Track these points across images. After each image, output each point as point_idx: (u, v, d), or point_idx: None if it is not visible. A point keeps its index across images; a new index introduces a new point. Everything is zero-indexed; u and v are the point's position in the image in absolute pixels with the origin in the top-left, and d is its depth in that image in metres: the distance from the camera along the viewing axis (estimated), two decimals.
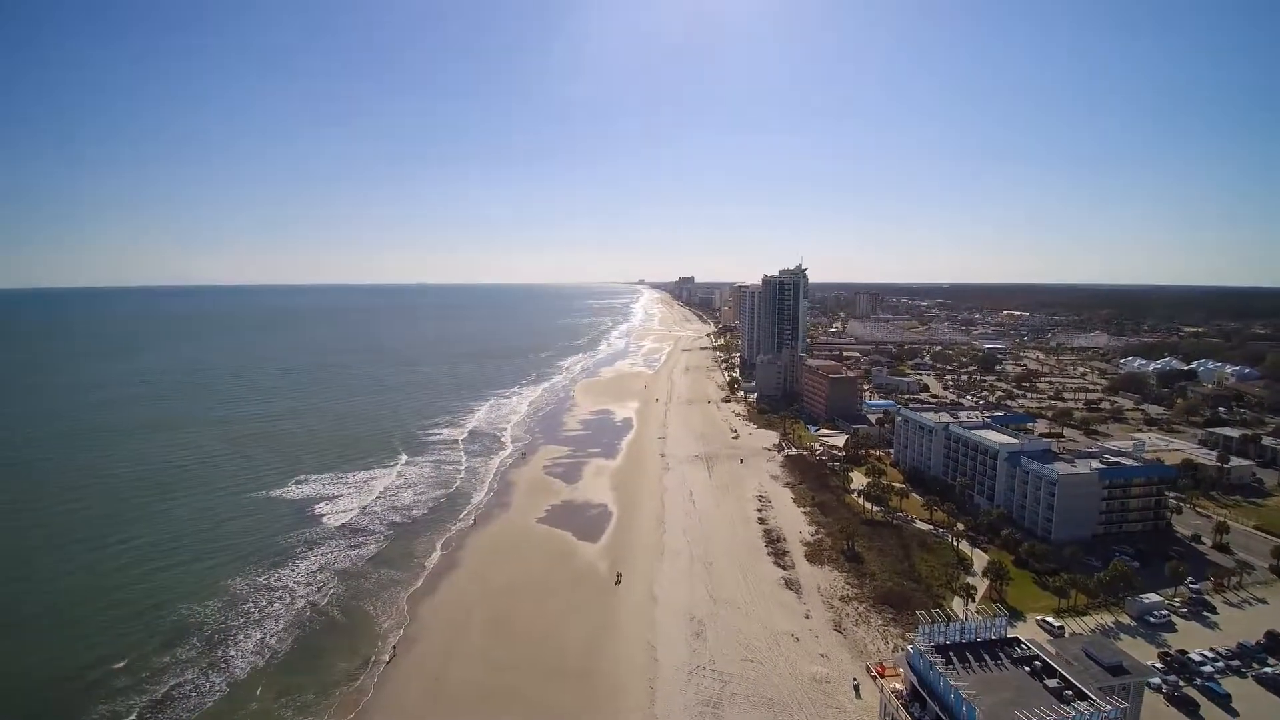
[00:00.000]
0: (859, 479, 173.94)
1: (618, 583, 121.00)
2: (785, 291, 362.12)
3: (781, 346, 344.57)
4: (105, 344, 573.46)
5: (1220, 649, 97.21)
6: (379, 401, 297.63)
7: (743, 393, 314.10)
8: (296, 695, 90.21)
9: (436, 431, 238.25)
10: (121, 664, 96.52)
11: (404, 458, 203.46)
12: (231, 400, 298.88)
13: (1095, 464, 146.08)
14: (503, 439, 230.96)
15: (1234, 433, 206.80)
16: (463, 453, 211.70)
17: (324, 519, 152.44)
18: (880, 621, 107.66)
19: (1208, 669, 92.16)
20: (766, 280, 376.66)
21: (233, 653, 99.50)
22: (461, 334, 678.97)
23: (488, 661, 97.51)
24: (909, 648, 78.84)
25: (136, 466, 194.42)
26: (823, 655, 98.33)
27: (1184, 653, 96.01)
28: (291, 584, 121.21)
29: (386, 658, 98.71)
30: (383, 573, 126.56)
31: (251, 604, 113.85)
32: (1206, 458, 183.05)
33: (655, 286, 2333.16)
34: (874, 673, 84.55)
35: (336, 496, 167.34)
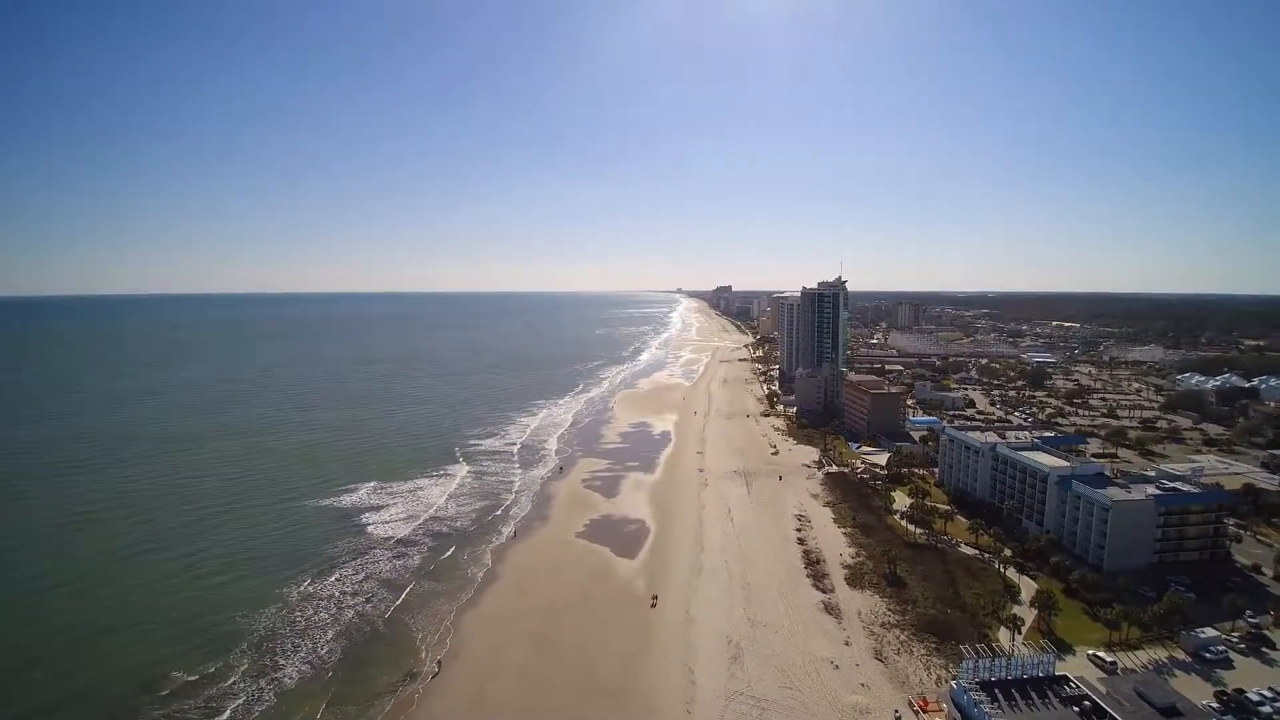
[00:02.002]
0: (902, 499, 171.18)
1: (653, 605, 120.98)
2: (825, 304, 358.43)
3: (821, 360, 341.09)
4: (145, 352, 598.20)
5: None
6: (421, 412, 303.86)
7: (782, 406, 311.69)
8: (343, 706, 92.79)
9: (478, 443, 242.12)
10: (174, 670, 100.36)
11: (446, 469, 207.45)
12: (275, 411, 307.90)
13: (1151, 489, 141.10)
14: (542, 451, 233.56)
15: None
16: (504, 464, 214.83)
17: (370, 529, 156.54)
18: (923, 651, 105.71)
19: (1266, 709, 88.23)
20: (805, 293, 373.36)
21: (282, 662, 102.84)
22: (497, 344, 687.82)
23: (528, 679, 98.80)
24: (953, 683, 77.67)
25: (186, 477, 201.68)
26: (863, 685, 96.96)
27: (1241, 691, 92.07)
28: (339, 594, 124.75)
29: (431, 671, 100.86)
30: (426, 584, 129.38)
31: (300, 613, 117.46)
32: (1269, 482, 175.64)
33: (692, 295, 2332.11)
34: (916, 707, 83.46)
35: (382, 506, 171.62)
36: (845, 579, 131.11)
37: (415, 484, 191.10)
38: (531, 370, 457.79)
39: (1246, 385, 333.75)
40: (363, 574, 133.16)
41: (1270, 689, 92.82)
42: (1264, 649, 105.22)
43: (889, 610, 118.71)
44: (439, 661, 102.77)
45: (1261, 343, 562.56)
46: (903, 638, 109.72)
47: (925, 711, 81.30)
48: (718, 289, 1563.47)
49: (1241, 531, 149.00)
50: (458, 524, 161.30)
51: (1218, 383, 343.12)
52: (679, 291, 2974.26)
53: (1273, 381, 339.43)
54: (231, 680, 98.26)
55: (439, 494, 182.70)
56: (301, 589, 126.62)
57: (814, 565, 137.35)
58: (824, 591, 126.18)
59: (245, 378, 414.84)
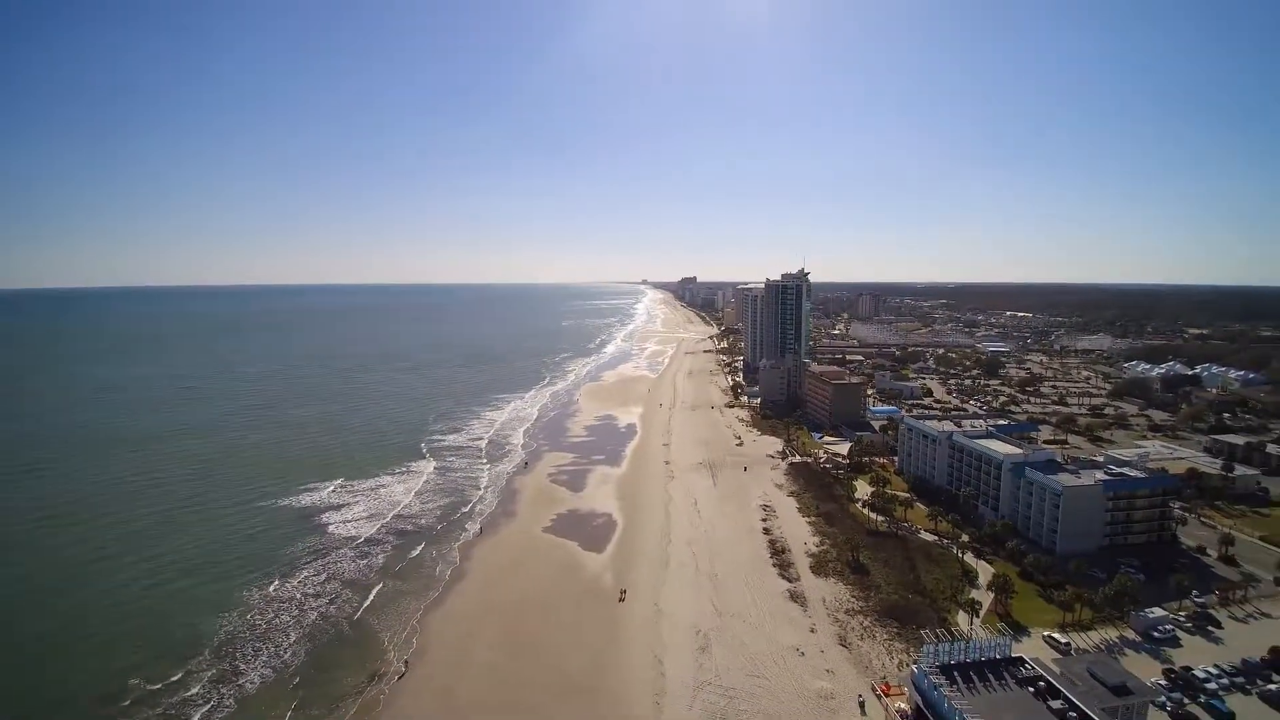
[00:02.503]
0: (863, 488, 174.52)
1: (621, 600, 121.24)
2: (788, 296, 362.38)
3: (785, 351, 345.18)
4: (101, 346, 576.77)
5: (1225, 665, 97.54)
6: (385, 408, 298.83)
7: (746, 398, 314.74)
8: (308, 710, 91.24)
9: (443, 438, 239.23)
10: (133, 679, 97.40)
11: (411, 465, 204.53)
12: (235, 408, 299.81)
13: (1100, 475, 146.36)
14: (508, 445, 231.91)
15: (1239, 440, 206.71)
16: (469, 460, 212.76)
17: (333, 528, 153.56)
18: (885, 636, 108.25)
19: (1212, 686, 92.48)
20: (769, 285, 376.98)
21: (244, 667, 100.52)
22: (461, 337, 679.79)
23: (497, 676, 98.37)
24: (914, 667, 79.64)
25: (142, 476, 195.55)
26: (828, 671, 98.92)
27: (1188, 669, 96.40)
28: (302, 596, 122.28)
29: (397, 670, 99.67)
30: (391, 584, 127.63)
31: (262, 617, 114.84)
32: (1211, 466, 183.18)
33: (658, 286, 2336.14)
34: (879, 692, 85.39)
35: (346, 505, 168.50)
36: (810, 567, 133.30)
37: (380, 481, 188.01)
38: (497, 363, 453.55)
39: (1189, 373, 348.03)
40: (326, 575, 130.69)
41: (1216, 666, 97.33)
42: (1210, 628, 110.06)
43: (852, 597, 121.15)
44: (406, 661, 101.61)
45: (1204, 331, 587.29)
46: (866, 623, 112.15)
47: (888, 695, 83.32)
48: (683, 280, 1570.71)
49: (1186, 514, 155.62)
50: (423, 521, 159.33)
51: (1162, 370, 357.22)
52: (644, 283, 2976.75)
53: (1214, 369, 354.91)
54: (193, 688, 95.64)
55: (404, 491, 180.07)
56: (264, 592, 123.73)
57: (779, 554, 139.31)
58: (789, 580, 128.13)
59: (204, 374, 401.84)
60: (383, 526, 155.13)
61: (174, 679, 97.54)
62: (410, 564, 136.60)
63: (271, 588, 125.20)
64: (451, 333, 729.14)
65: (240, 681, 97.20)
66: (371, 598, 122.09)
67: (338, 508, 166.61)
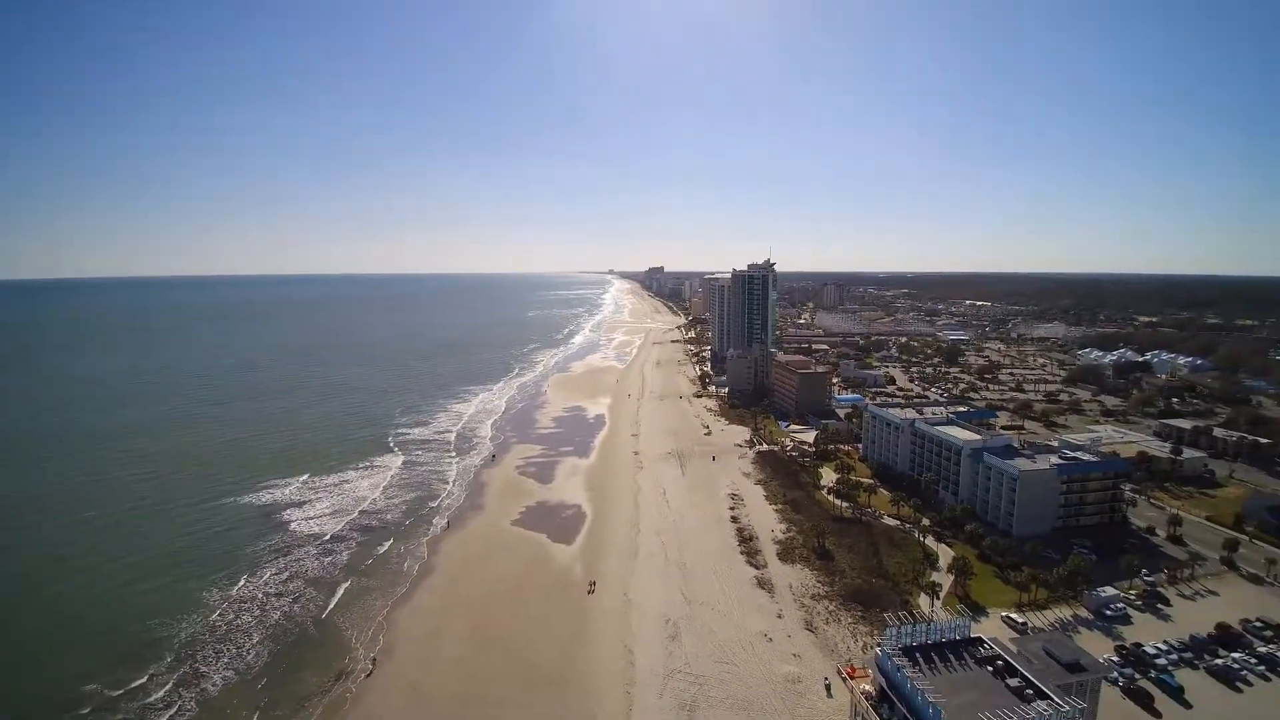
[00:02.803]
0: (829, 475, 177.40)
1: (591, 591, 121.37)
2: (754, 286, 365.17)
3: (752, 341, 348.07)
4: (49, 343, 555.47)
5: (1174, 641, 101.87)
6: (350, 401, 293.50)
7: (714, 387, 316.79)
8: (272, 711, 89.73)
9: (407, 431, 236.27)
10: (92, 685, 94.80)
11: (377, 459, 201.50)
12: (194, 403, 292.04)
13: (1054, 459, 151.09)
14: (476, 438, 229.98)
15: (1186, 424, 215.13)
16: (436, 453, 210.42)
17: (297, 526, 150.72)
18: (850, 619, 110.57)
19: (1161, 661, 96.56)
20: (736, 275, 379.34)
21: (205, 669, 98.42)
22: (429, 328, 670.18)
23: (466, 671, 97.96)
24: (877, 650, 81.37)
25: (98, 479, 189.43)
26: (795, 655, 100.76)
27: (1139, 645, 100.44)
28: (265, 595, 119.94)
29: (364, 668, 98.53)
30: (357, 581, 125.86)
31: (223, 618, 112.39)
32: (1160, 450, 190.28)
33: (625, 276, 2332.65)
34: (845, 674, 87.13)
35: (310, 502, 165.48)
36: (777, 554, 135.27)
37: (345, 476, 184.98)
38: (464, 354, 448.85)
39: (1140, 359, 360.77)
40: (290, 574, 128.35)
41: (1165, 642, 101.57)
42: (1159, 605, 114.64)
43: (818, 582, 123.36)
44: (373, 659, 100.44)
45: (1154, 319, 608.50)
46: (831, 608, 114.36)
47: (853, 678, 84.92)
48: (650, 270, 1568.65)
49: (1137, 496, 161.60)
50: (389, 517, 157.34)
51: (1114, 357, 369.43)
52: (611, 273, 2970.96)
53: (1164, 355, 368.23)
54: (154, 693, 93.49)
55: (370, 486, 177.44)
56: (226, 592, 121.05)
57: (747, 542, 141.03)
58: (757, 567, 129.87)
59: (160, 368, 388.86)
60: (348, 523, 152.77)
61: (134, 684, 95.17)
62: (376, 560, 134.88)
63: (234, 588, 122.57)
64: (420, 323, 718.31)
65: (203, 685, 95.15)
66: (337, 596, 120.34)
67: (301, 504, 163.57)
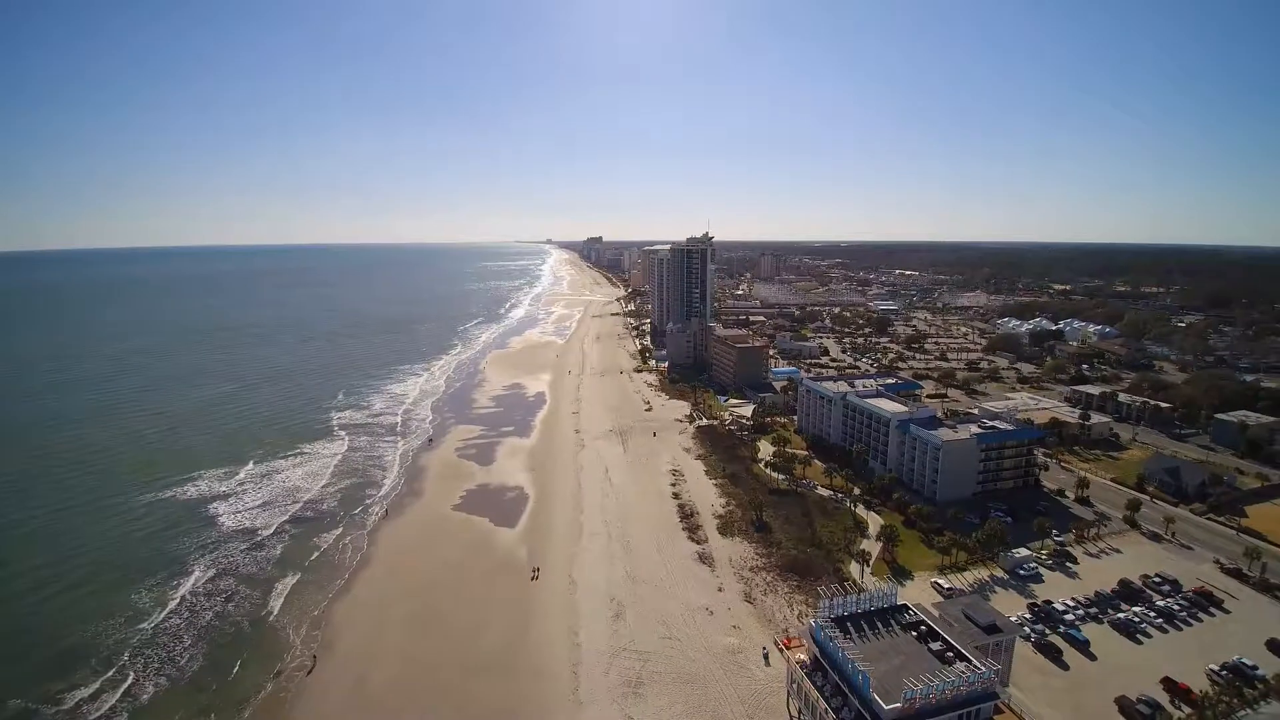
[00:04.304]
0: (766, 448, 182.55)
1: (535, 578, 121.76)
2: (692, 260, 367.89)
3: (691, 315, 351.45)
4: None
5: (1080, 597, 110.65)
6: (281, 386, 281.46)
7: (654, 361, 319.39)
8: (208, 715, 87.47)
9: (339, 415, 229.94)
10: (14, 700, 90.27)
11: (305, 446, 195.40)
12: (104, 388, 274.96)
13: (974, 428, 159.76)
14: (413, 420, 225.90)
15: (1095, 390, 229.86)
16: (372, 437, 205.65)
17: (225, 520, 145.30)
18: (786, 589, 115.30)
19: (1069, 617, 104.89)
20: (674, 249, 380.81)
21: (136, 677, 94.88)
22: (362, 303, 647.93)
23: (410, 661, 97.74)
24: (811, 621, 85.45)
25: (12, 472, 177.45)
26: (735, 627, 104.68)
27: (1049, 603, 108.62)
28: (193, 595, 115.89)
29: (303, 665, 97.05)
30: (293, 576, 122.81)
31: (150, 622, 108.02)
32: (1070, 415, 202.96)
33: (563, 246, 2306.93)
34: (781, 645, 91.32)
35: (238, 494, 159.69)
36: (717, 529, 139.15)
37: (278, 465, 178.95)
38: (398, 331, 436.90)
39: (1054, 328, 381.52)
40: (222, 570, 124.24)
41: (1073, 599, 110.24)
42: (1067, 564, 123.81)
43: (756, 555, 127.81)
44: (314, 655, 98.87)
45: (1066, 287, 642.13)
46: (769, 579, 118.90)
47: (789, 648, 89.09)
48: (588, 240, 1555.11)
49: (1049, 460, 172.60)
50: (325, 506, 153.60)
51: (1030, 326, 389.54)
52: (549, 243, 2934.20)
53: (1076, 324, 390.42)
54: (79, 704, 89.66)
55: (304, 475, 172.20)
56: (156, 595, 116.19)
57: (688, 518, 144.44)
58: (698, 543, 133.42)
59: (74, 352, 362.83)
60: (282, 515, 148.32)
61: (61, 696, 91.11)
62: (313, 553, 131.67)
63: (165, 589, 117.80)
64: (349, 298, 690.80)
65: (135, 693, 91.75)
66: (273, 592, 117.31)
67: (230, 497, 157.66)
